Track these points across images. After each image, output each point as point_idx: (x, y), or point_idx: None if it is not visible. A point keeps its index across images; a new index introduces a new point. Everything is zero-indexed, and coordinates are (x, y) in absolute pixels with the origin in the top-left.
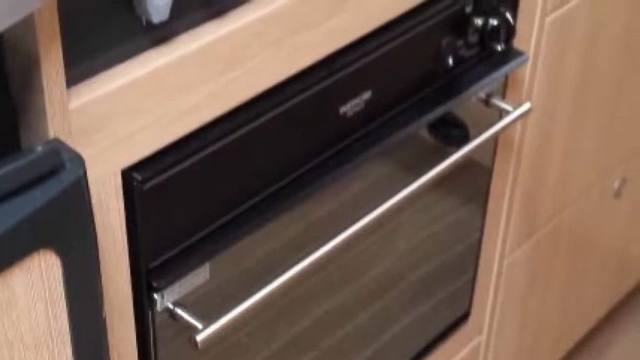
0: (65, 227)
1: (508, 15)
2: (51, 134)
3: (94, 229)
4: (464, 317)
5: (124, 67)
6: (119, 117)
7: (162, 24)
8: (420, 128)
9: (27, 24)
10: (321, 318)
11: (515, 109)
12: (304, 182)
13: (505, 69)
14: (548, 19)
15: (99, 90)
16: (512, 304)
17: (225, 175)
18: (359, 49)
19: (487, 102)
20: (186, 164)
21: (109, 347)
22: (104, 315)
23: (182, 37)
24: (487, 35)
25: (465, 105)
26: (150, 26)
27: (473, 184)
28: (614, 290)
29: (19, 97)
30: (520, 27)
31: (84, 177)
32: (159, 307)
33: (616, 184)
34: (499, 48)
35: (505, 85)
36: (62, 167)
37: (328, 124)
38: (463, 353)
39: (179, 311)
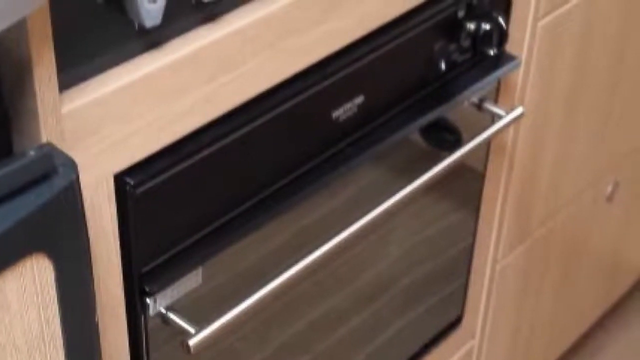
0: (58, 232)
1: (500, 20)
2: (44, 139)
3: (87, 233)
4: (456, 322)
5: (116, 72)
6: (111, 122)
7: (155, 29)
8: (412, 132)
9: (19, 28)
10: (314, 322)
11: (507, 113)
12: (297, 186)
13: (497, 74)
14: (540, 24)
15: (91, 95)
16: (505, 308)
17: (217, 179)
18: (352, 54)
19: (479, 106)
20: (179, 168)
21: (102, 351)
22: (96, 320)
23: (175, 41)
24: (480, 40)
25: (458, 109)
26: (142, 31)
27: (466, 188)
28: (607, 294)
29: (11, 101)
30: (513, 31)
31: (76, 181)
32: (151, 312)
33: (609, 188)
34: (492, 52)
35: (497, 90)
36: (55, 172)
37: (321, 128)
38: (456, 357)
39: (172, 316)
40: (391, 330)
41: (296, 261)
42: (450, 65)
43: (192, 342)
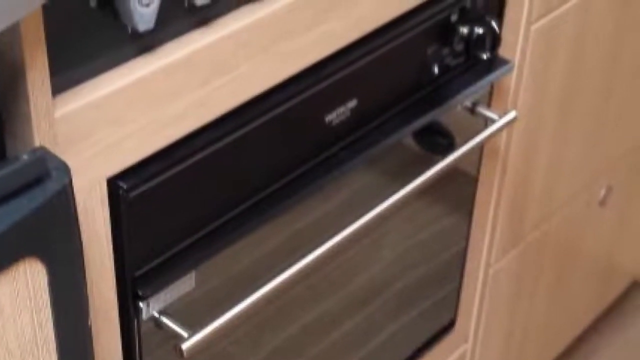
0: (51, 236)
1: (493, 24)
2: (37, 142)
3: (80, 237)
4: (449, 326)
5: (109, 76)
6: (104, 126)
7: (148, 33)
8: (405, 136)
9: (12, 32)
10: (307, 326)
11: (500, 117)
12: (290, 190)
13: (490, 77)
14: (533, 27)
15: (84, 99)
16: (498, 312)
17: (210, 183)
18: (345, 58)
19: (472, 110)
20: (172, 172)
21: (94, 355)
22: (89, 324)
23: (168, 45)
24: (473, 44)
25: (451, 113)
26: (135, 35)
27: (459, 192)
28: (600, 298)
29: (4, 105)
30: (506, 35)
31: (69, 185)
32: (144, 316)
33: (602, 192)
34: (485, 56)
35: (490, 94)
36: (48, 176)
37: (314, 132)
38: None
39: (165, 319)
40: (384, 334)
41: (289, 265)
42: (443, 69)
43: (185, 346)
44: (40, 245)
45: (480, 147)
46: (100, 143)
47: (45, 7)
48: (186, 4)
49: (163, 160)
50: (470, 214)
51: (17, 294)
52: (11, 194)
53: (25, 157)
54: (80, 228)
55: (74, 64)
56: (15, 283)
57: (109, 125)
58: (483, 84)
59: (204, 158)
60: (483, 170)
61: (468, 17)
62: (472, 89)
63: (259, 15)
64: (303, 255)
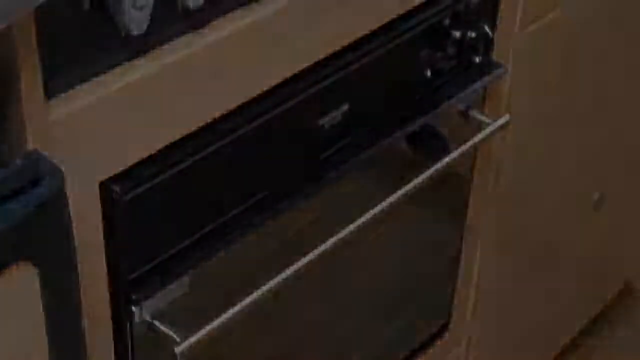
0: (44, 239)
1: (486, 28)
2: (30, 146)
3: (73, 241)
4: (443, 329)
5: (103, 79)
6: (98, 129)
7: (141, 36)
8: (398, 140)
9: (5, 36)
10: (300, 331)
11: (493, 121)
12: (282, 194)
13: (483, 82)
14: (526, 32)
15: (78, 102)
16: (491, 316)
17: (204, 187)
18: (338, 61)
19: (465, 114)
20: (165, 176)
21: (88, 359)
22: (82, 328)
23: (161, 49)
24: (466, 48)
25: (444, 117)
26: (129, 38)
27: (452, 195)
28: (594, 302)
29: None
30: (499, 39)
31: (63, 189)
32: (137, 320)
33: (595, 197)
34: (478, 60)
35: (484, 98)
36: (42, 179)
37: (306, 136)
38: None
39: (158, 324)
40: (378, 338)
41: (282, 269)
42: (437, 73)
43: (178, 350)
44: (34, 249)
45: (474, 150)
46: (94, 146)
47: (38, 10)
48: (179, 7)
49: (156, 163)
50: (463, 216)
51: (10, 298)
52: (4, 198)
53: (18, 160)
54: (74, 232)
55: (68, 67)
56: (8, 287)
57: (102, 128)
58: (476, 88)
59: (197, 162)
60: (476, 174)
61: (461, 22)
62: (465, 93)
63: (252, 19)
64: (296, 259)
